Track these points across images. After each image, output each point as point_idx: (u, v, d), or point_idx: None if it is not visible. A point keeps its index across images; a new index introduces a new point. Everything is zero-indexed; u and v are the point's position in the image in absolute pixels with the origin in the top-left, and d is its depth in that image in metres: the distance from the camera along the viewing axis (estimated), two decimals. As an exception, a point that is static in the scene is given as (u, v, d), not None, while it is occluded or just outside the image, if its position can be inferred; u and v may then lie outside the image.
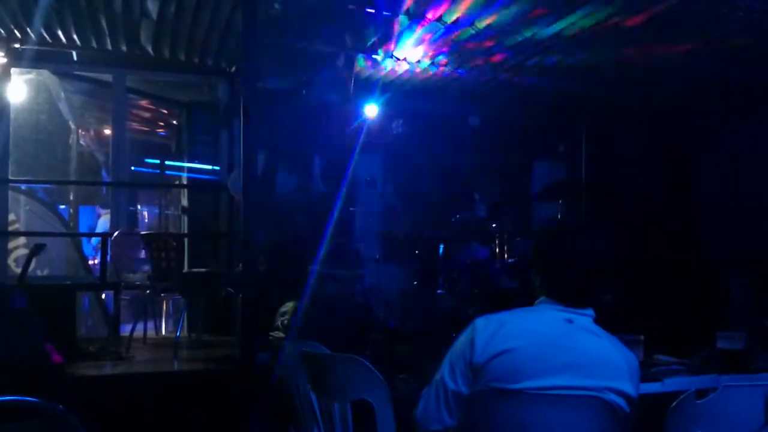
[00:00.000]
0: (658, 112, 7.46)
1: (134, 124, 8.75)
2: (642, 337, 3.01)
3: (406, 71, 6.77)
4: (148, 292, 5.91)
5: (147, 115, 8.95)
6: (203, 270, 6.05)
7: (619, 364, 2.02)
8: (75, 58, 6.66)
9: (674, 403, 2.07)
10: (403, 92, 7.36)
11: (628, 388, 2.01)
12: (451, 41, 5.87)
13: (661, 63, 6.13)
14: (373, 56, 6.31)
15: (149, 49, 6.35)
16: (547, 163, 8.53)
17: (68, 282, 6.09)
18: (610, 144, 7.97)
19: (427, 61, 6.43)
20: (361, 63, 6.52)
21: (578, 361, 1.99)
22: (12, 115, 6.74)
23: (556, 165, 8.50)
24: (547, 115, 8.02)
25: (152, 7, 5.41)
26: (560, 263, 2.16)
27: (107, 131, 8.26)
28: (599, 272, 2.16)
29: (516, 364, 1.98)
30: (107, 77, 7.12)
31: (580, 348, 2.01)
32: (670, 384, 2.79)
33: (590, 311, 2.12)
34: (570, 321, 2.07)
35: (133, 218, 9.55)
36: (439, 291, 6.76)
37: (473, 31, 5.54)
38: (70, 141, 8.78)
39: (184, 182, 8.42)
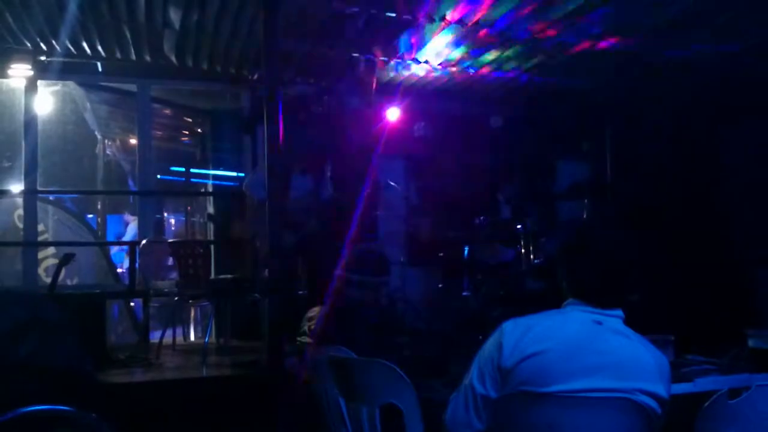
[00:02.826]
0: (683, 109, 7.37)
1: (159, 133, 8.85)
2: (672, 337, 2.98)
3: (428, 73, 6.76)
4: (176, 299, 5.97)
5: (171, 123, 9.04)
6: (230, 276, 6.09)
7: (649, 365, 2.00)
8: (100, 69, 6.75)
9: (706, 404, 2.05)
10: (425, 94, 7.36)
11: (659, 389, 1.99)
12: (473, 43, 5.86)
13: (686, 59, 6.08)
14: (395, 60, 6.32)
15: (172, 58, 6.41)
16: (572, 162, 8.47)
17: (98, 290, 6.15)
18: (635, 141, 7.89)
19: (448, 64, 6.43)
20: (383, 67, 6.53)
21: (608, 362, 1.97)
22: (39, 127, 6.85)
23: (580, 164, 8.44)
24: (571, 114, 7.96)
25: (175, 17, 5.47)
26: (587, 264, 2.14)
27: (133, 140, 8.36)
28: (626, 272, 2.14)
29: (545, 367, 1.97)
30: (132, 87, 7.20)
31: (609, 349, 2.00)
32: (702, 384, 2.76)
33: (619, 312, 2.10)
34: (599, 323, 2.05)
35: (160, 226, 9.65)
36: (464, 293, 6.73)
37: (493, 32, 5.53)
38: (97, 151, 8.91)
39: (210, 189, 8.49)
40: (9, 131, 7.17)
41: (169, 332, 6.04)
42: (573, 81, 6.90)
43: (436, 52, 6.12)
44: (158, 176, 8.49)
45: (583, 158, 8.49)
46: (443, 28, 5.51)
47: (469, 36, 5.70)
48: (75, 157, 8.41)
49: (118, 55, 6.37)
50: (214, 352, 5.86)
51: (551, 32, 5.56)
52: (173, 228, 10.33)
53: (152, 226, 7.38)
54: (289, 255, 5.54)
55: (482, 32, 5.56)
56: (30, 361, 1.42)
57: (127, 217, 9.21)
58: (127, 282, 6.31)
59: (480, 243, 6.64)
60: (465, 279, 6.94)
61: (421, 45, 5.96)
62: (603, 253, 2.13)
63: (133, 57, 6.41)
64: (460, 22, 5.35)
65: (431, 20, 5.33)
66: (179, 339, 6.31)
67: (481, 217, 6.63)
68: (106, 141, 9.04)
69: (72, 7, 5.24)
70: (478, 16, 5.24)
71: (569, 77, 6.79)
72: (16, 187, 6.95)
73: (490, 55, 6.21)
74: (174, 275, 6.24)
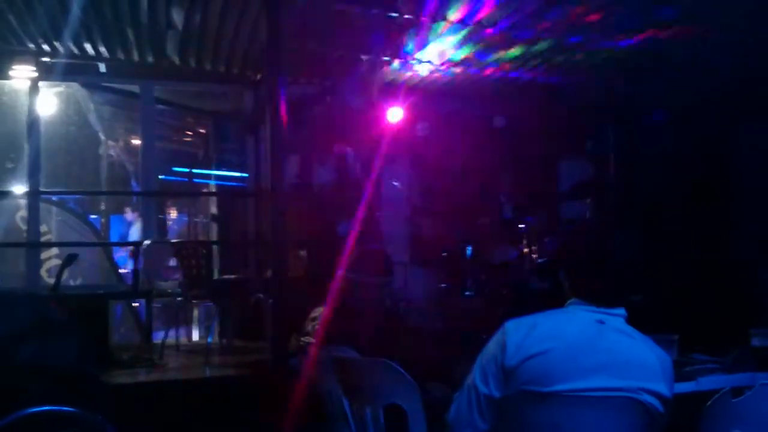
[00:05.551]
0: (686, 108, 7.37)
1: (162, 133, 8.86)
2: (676, 337, 2.98)
3: (431, 73, 6.76)
4: (179, 299, 5.97)
5: (174, 124, 9.05)
6: (233, 276, 6.09)
7: (652, 364, 2.00)
8: (103, 70, 6.75)
9: (709, 402, 2.05)
10: (427, 94, 7.36)
11: (662, 388, 1.99)
12: (475, 42, 5.86)
13: (691, 56, 6.07)
14: (398, 60, 6.32)
15: (175, 59, 6.42)
16: (575, 161, 8.46)
17: (101, 291, 6.15)
18: (638, 141, 7.89)
19: (451, 64, 6.42)
20: (386, 67, 6.53)
21: (611, 362, 1.97)
22: (42, 128, 6.85)
23: (583, 163, 8.44)
24: (574, 114, 7.96)
25: (178, 18, 5.47)
26: (589, 264, 2.14)
27: (136, 141, 8.37)
28: (629, 272, 2.14)
29: (548, 367, 1.96)
30: (135, 88, 7.20)
31: (612, 349, 2.00)
32: (705, 383, 2.75)
33: (622, 311, 2.10)
34: (601, 322, 2.05)
35: (163, 227, 9.66)
36: (467, 293, 6.74)
37: (496, 32, 5.53)
38: (100, 152, 8.92)
39: (213, 190, 8.50)
40: (12, 133, 7.17)
41: (172, 332, 6.05)
42: (576, 80, 6.89)
43: (439, 52, 6.12)
44: (161, 177, 8.49)
45: (586, 158, 8.48)
46: (446, 29, 5.51)
47: (471, 36, 5.70)
48: (78, 158, 8.41)
49: (121, 56, 6.37)
50: (218, 353, 5.86)
51: (554, 31, 5.56)
52: (176, 228, 10.34)
53: (155, 227, 7.39)
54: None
55: (485, 32, 5.56)
56: (34, 362, 1.43)
57: (129, 215, 9.19)
58: (130, 282, 6.32)
59: (483, 243, 6.64)
60: (468, 279, 6.94)
61: (423, 45, 5.96)
62: (605, 253, 2.13)
63: (136, 58, 6.42)
64: (462, 22, 5.35)
65: (434, 20, 5.33)
66: (182, 339, 6.31)
67: (484, 217, 6.62)
68: (109, 142, 9.05)
69: (75, 9, 5.24)
70: (481, 16, 5.24)
71: (572, 76, 6.78)
72: (20, 188, 6.96)
73: (493, 55, 6.21)
74: (177, 276, 6.25)
